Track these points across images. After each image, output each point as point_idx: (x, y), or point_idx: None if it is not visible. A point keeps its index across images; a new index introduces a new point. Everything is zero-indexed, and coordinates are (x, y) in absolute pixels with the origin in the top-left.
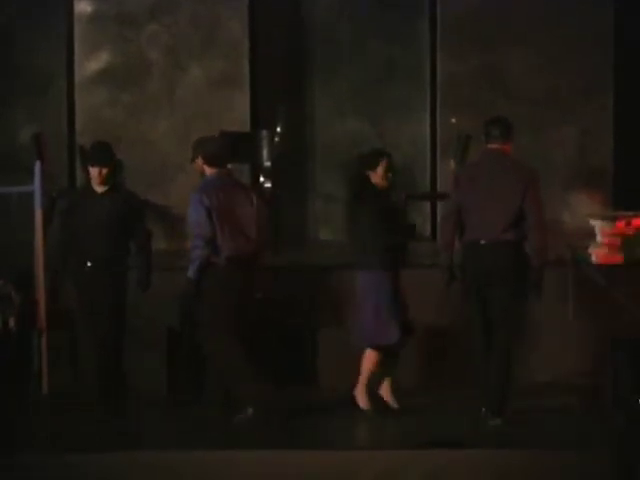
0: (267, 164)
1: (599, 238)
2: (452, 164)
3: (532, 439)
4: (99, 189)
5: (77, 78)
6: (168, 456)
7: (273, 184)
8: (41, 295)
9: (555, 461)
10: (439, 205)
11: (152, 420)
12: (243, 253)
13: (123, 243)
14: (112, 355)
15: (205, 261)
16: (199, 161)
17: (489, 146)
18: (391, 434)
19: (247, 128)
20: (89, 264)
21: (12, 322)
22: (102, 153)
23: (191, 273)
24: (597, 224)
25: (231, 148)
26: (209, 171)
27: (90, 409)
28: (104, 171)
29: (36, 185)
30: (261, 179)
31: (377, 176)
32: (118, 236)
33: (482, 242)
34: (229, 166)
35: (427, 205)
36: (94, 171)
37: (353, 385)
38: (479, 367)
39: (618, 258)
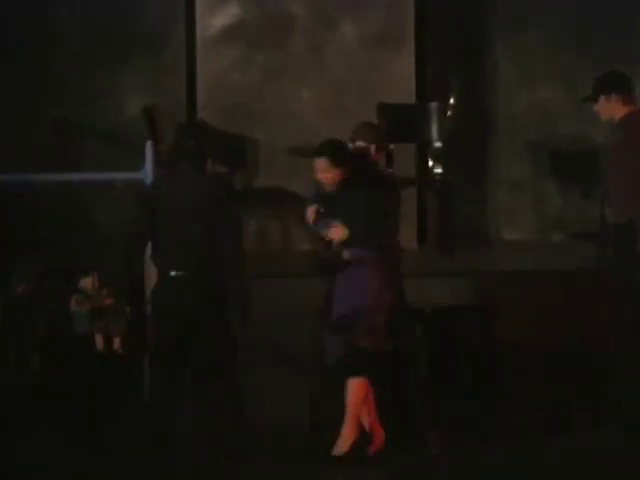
0: (437, 144)
1: None
2: None
3: None
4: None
5: (198, 37)
6: None
7: (444, 169)
8: None
9: None
10: None
11: None
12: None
13: None
14: None
15: None
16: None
17: (630, 108)
18: None
19: (412, 99)
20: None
21: (117, 342)
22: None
23: None
24: None
25: (392, 124)
26: None
27: None
28: None
29: (147, 170)
30: (430, 163)
31: None
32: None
33: None
34: (391, 146)
35: None
36: None
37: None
38: None
39: None
